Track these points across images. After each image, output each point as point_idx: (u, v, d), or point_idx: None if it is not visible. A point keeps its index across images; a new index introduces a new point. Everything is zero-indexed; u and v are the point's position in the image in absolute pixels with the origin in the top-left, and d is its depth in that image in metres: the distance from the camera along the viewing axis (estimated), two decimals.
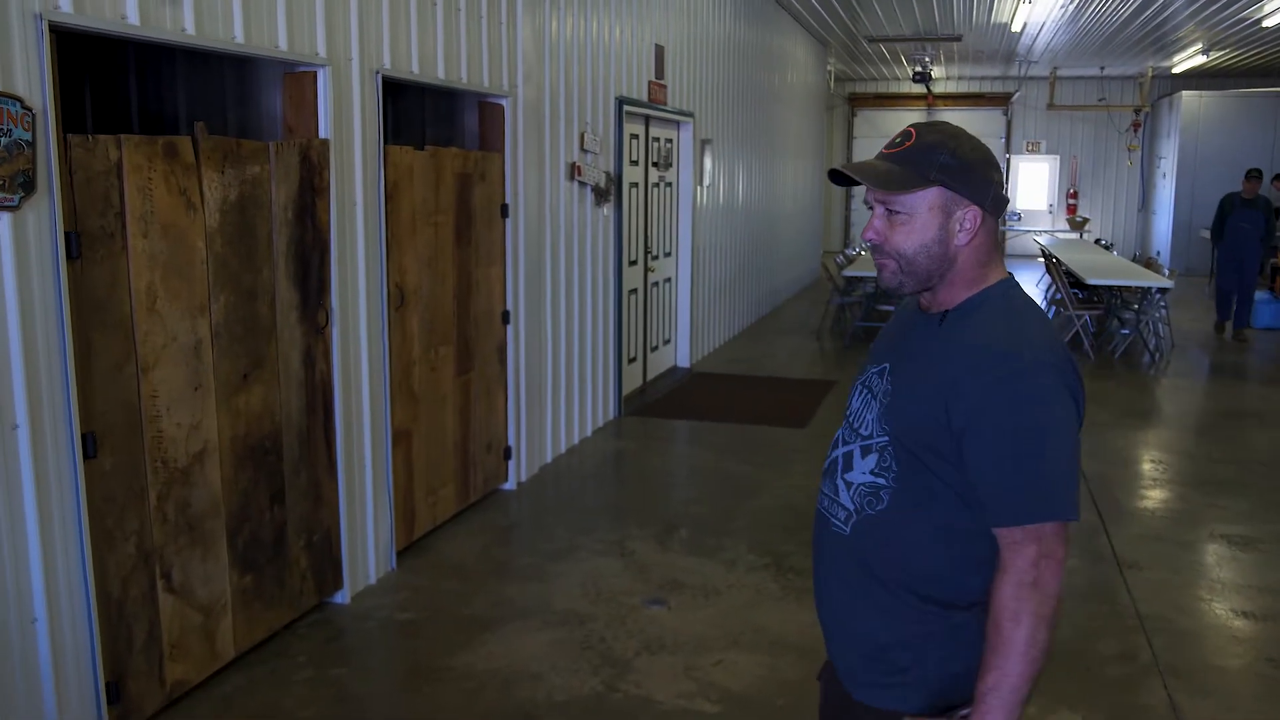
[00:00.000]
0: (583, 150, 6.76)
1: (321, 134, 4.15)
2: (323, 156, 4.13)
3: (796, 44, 14.60)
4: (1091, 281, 10.26)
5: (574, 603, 4.44)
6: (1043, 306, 12.46)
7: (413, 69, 4.77)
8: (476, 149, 5.63)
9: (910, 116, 21.79)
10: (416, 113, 5.96)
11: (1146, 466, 6.75)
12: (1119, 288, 10.85)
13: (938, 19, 14.20)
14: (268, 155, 3.84)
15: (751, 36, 11.58)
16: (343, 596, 4.39)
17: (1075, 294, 10.78)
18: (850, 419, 1.88)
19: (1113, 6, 13.05)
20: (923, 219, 1.73)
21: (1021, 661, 1.64)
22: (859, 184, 1.76)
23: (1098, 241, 16.81)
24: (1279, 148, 18.08)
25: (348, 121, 4.31)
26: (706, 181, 9.79)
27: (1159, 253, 18.80)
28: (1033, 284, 17.14)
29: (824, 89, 17.71)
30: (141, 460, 3.33)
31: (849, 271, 11.02)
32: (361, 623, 4.26)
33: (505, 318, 5.79)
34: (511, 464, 5.95)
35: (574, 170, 6.62)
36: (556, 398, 6.58)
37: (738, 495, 5.91)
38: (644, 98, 7.92)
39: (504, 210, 5.70)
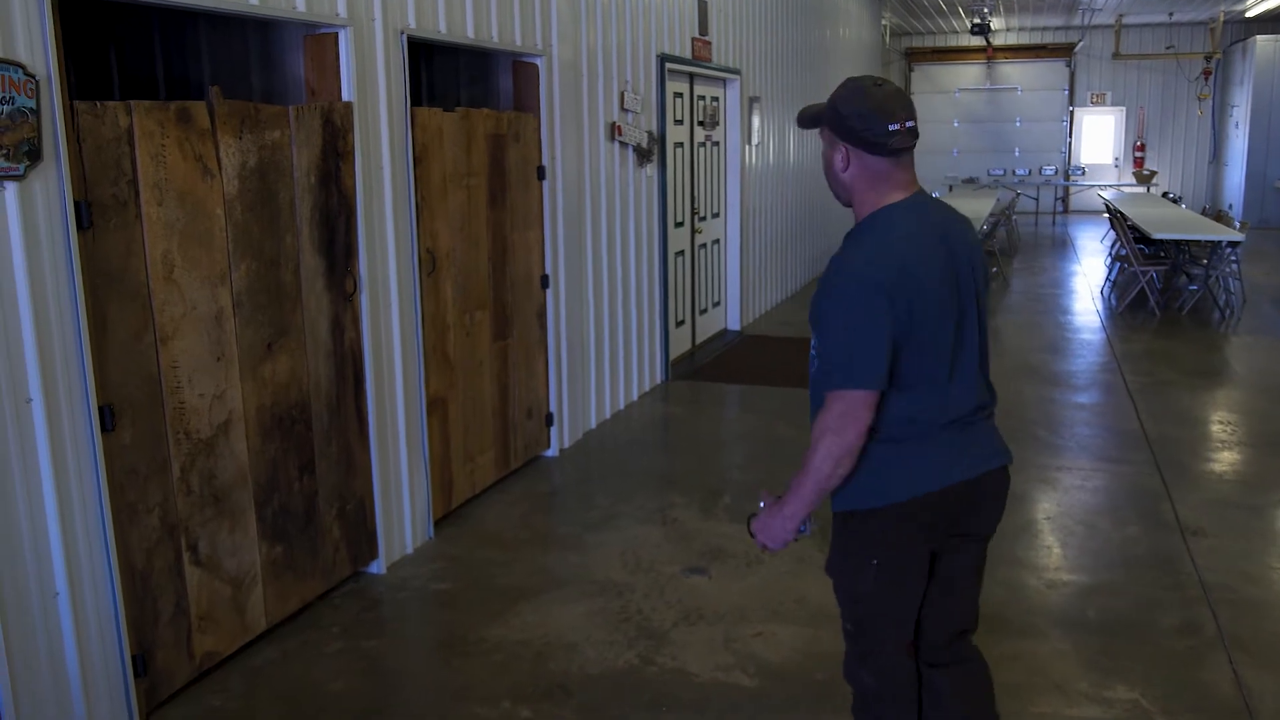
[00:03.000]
0: (623, 110, 6.60)
1: (345, 97, 4.05)
2: (346, 120, 4.03)
3: None
4: (1157, 236, 9.88)
5: (612, 572, 4.34)
6: (1107, 263, 12.02)
7: (440, 28, 4.64)
8: (510, 110, 5.50)
9: (969, 71, 21.23)
10: (450, 75, 5.85)
11: (1214, 428, 6.47)
12: (1187, 242, 10.43)
13: None
14: (288, 119, 3.75)
15: None
16: (378, 566, 4.34)
17: (1140, 249, 10.40)
18: None
19: None
20: (826, 151, 2.36)
21: (811, 478, 2.28)
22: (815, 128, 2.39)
23: (1165, 195, 16.25)
24: None
25: (372, 83, 4.21)
26: (755, 141, 9.57)
27: (1231, 205, 18.15)
28: (1097, 240, 16.66)
29: (879, 44, 17.28)
30: (163, 432, 3.28)
31: None
32: (396, 593, 4.20)
33: (544, 282, 5.68)
34: (554, 430, 5.86)
35: (614, 130, 6.47)
36: (600, 362, 6.47)
37: (785, 461, 5.76)
38: (687, 55, 7.72)
39: (540, 172, 5.57)
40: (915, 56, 21.39)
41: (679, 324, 8.14)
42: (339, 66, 4.03)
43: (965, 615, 2.55)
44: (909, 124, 2.25)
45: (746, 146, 9.35)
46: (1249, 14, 18.28)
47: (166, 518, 3.31)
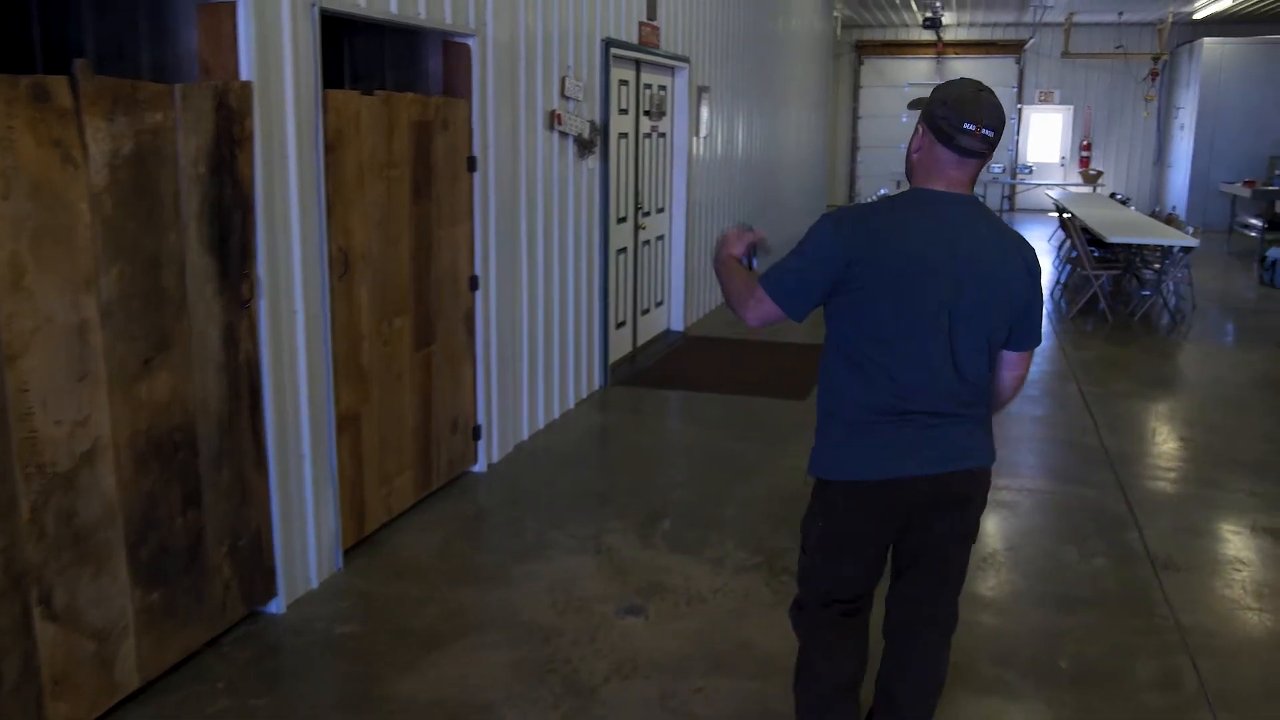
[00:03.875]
0: (564, 97, 6.16)
1: (243, 75, 3.56)
2: (244, 101, 3.54)
3: None
4: (1111, 239, 9.66)
5: (539, 613, 3.92)
6: (1056, 265, 11.79)
7: (358, 2, 4.16)
8: (440, 95, 5.04)
9: (919, 66, 21.02)
10: (375, 56, 5.35)
11: (1174, 445, 6.21)
12: (1140, 246, 10.23)
13: None
14: (171, 100, 3.25)
15: None
16: (277, 606, 3.87)
17: (1092, 252, 10.19)
18: None
19: None
20: (913, 133, 2.46)
21: (722, 275, 2.69)
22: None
23: (1113, 196, 16.15)
24: None
25: (276, 61, 3.72)
26: (703, 132, 9.16)
27: (1175, 207, 18.12)
28: (1044, 240, 16.51)
29: (830, 36, 16.96)
30: (10, 467, 2.79)
31: None
32: (296, 637, 3.74)
33: (474, 283, 5.23)
34: (481, 444, 5.42)
35: (554, 119, 6.02)
36: (534, 369, 6.03)
37: (729, 478, 5.38)
38: (634, 40, 7.29)
39: (471, 163, 5.11)
40: (865, 49, 21.13)
41: (620, 325, 7.72)
42: (236, 41, 3.54)
43: (924, 607, 2.70)
44: (986, 132, 2.32)
45: (695, 138, 8.94)
46: (1197, 16, 18.26)
47: (12, 566, 2.82)
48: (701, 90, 9.05)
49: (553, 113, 6.01)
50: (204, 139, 3.39)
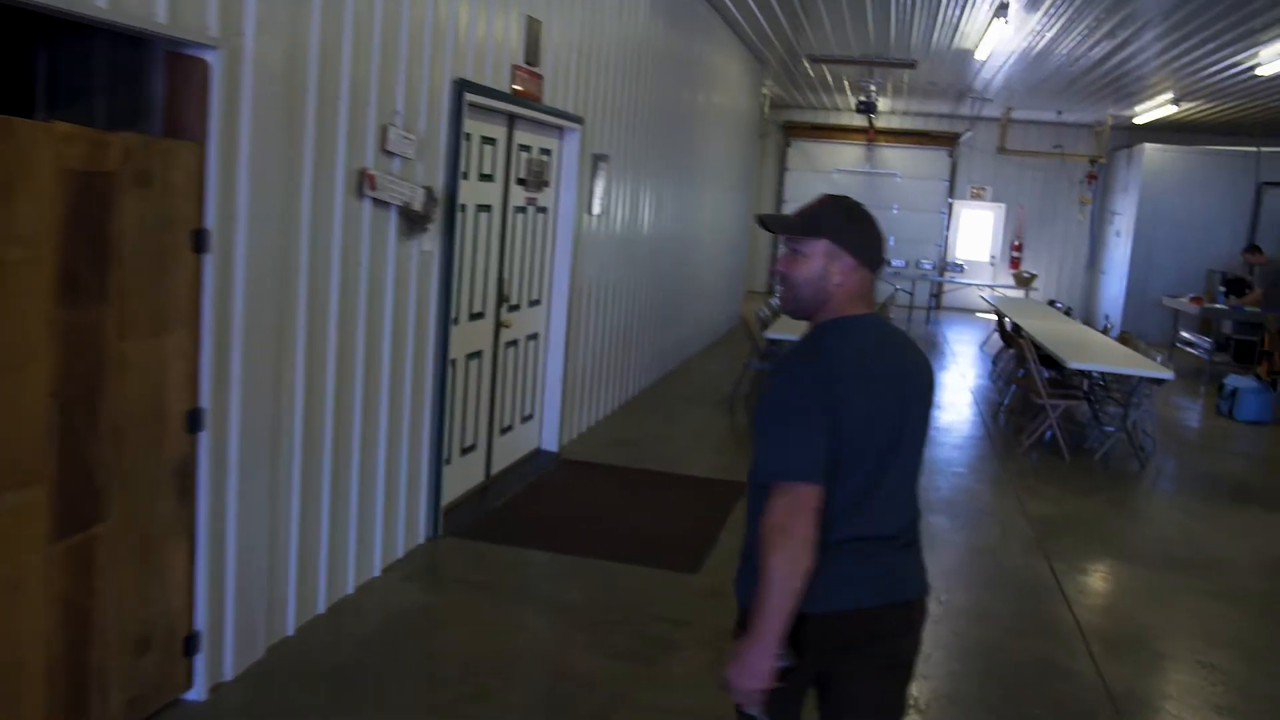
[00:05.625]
0: (384, 153, 4.45)
1: None
2: None
3: (730, 59, 12.46)
4: (1074, 366, 8.20)
5: None
6: (992, 377, 10.33)
7: None
8: (154, 134, 3.29)
9: (848, 151, 19.91)
10: (82, 73, 3.59)
11: (1198, 680, 4.55)
12: (1106, 375, 8.80)
13: (892, 40, 12.20)
14: None
15: (674, 38, 9.37)
16: None
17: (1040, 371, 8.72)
18: None
19: (1088, 43, 11.16)
20: (804, 261, 2.29)
21: (771, 586, 2.08)
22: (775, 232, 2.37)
23: (1053, 304, 14.93)
24: (1245, 211, 16.46)
25: None
26: (597, 210, 7.51)
27: (1108, 316, 17.07)
28: (970, 341, 15.22)
29: (756, 113, 15.64)
30: None
31: (773, 333, 8.79)
32: None
33: (193, 420, 3.43)
34: (201, 660, 3.57)
35: (365, 181, 4.30)
36: (310, 528, 4.23)
37: None
38: (504, 88, 5.63)
39: (199, 240, 3.35)
40: (794, 131, 19.96)
41: (466, 450, 5.95)
42: None
43: None
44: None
45: (586, 215, 7.29)
46: (1137, 120, 17.41)
47: None
48: (598, 159, 7.43)
49: (364, 173, 4.29)
50: None
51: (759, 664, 2.08)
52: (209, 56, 3.30)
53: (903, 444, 2.26)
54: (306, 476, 4.13)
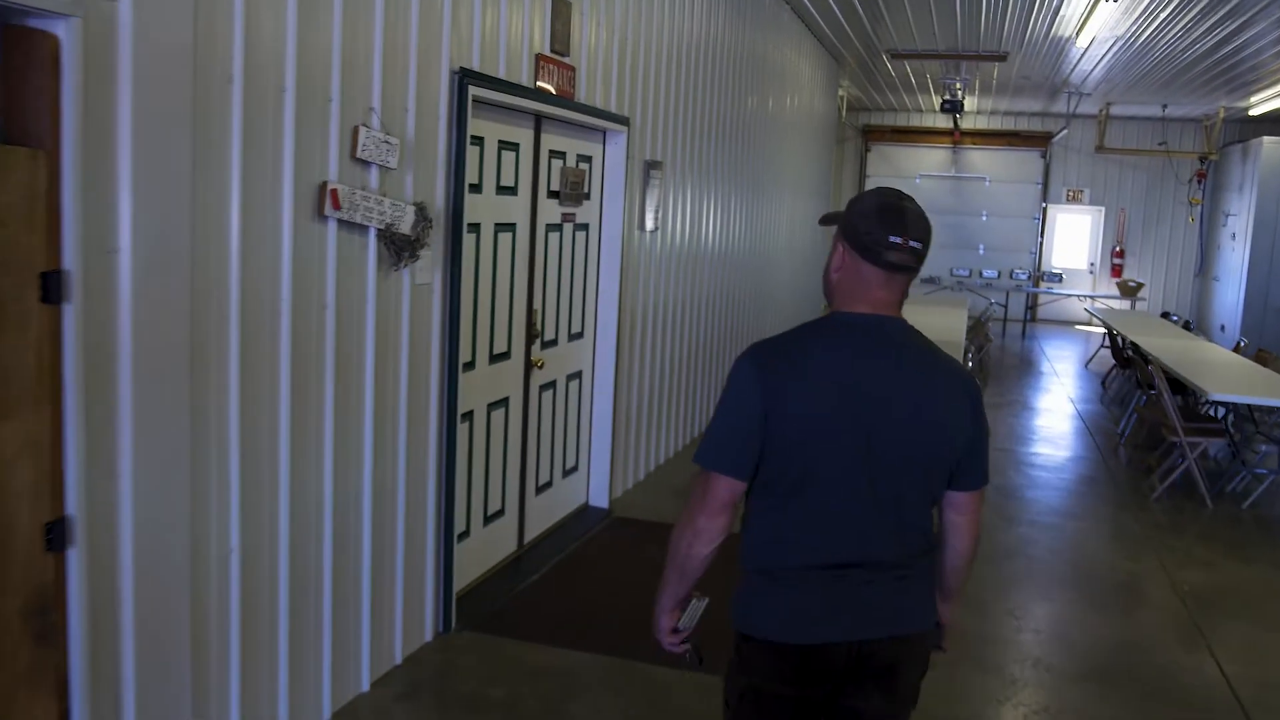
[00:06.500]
0: (355, 160, 3.48)
1: None
2: None
3: (802, 56, 11.35)
4: (1215, 398, 6.93)
5: None
6: (1100, 402, 8.93)
7: None
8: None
9: (933, 155, 18.60)
10: None
11: None
12: (1251, 408, 7.47)
13: (982, 31, 10.99)
14: None
15: (738, 31, 8.31)
16: None
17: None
18: None
19: (1204, 25, 9.82)
20: (833, 252, 2.18)
21: (669, 558, 2.18)
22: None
23: (1166, 315, 13.49)
24: None
25: None
26: (650, 225, 6.49)
27: (1224, 327, 15.54)
28: (1070, 356, 13.79)
29: (834, 117, 14.49)
30: None
31: None
32: None
33: (53, 538, 2.46)
34: None
35: (328, 198, 3.33)
36: (257, 651, 3.25)
37: None
38: (526, 80, 4.65)
39: (50, 285, 2.39)
40: (873, 135, 18.71)
41: (491, 518, 4.95)
42: None
43: None
44: (914, 244, 2.09)
45: (636, 232, 6.27)
46: (1253, 112, 15.85)
47: None
48: (650, 166, 6.40)
49: (324, 187, 3.32)
50: None
51: (658, 624, 2.25)
52: (57, 29, 2.35)
53: (887, 468, 2.08)
54: (250, 586, 3.16)
